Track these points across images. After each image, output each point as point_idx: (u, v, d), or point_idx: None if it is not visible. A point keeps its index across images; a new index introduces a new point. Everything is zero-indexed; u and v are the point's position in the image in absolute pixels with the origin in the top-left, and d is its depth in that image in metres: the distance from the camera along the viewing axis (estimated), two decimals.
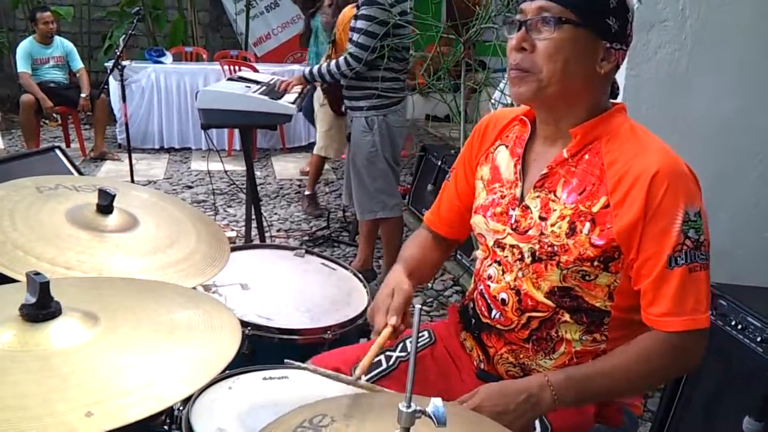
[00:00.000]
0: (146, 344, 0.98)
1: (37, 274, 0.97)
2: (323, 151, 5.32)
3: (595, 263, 1.35)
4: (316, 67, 3.71)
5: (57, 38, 7.03)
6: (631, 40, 1.40)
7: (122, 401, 0.84)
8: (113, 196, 1.52)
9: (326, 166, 5.95)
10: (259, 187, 4.43)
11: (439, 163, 4.84)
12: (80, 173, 3.37)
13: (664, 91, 2.69)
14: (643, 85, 2.65)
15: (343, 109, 4.07)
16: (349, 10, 4.12)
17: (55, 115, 7.35)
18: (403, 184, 5.95)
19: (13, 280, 1.26)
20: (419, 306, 0.94)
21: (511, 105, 3.35)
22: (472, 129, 1.69)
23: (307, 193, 5.55)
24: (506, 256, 1.47)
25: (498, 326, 1.50)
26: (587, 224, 1.34)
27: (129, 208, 1.60)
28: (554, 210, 1.40)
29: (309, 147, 7.32)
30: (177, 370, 0.94)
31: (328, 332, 1.81)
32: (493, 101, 3.42)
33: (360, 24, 3.45)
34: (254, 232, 3.79)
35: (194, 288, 1.44)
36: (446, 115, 6.44)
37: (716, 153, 2.74)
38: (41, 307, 0.96)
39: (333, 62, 3.60)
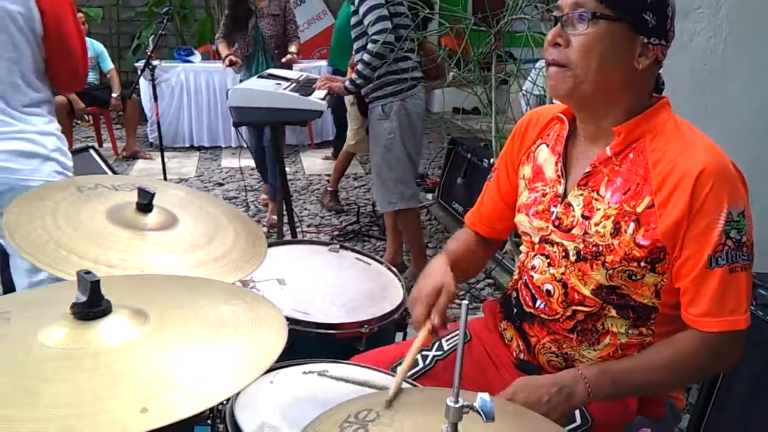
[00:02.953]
0: (195, 341, 0.99)
1: (88, 272, 0.98)
2: (353, 148, 5.34)
3: (642, 264, 1.33)
4: (353, 77, 3.66)
5: (87, 40, 7.09)
6: (673, 35, 1.38)
7: (173, 397, 0.85)
8: (153, 195, 1.52)
9: (354, 161, 5.97)
10: (288, 183, 4.47)
11: (469, 156, 4.82)
12: (114, 172, 3.44)
13: (699, 78, 2.65)
14: (678, 73, 2.61)
15: None
16: None
17: (86, 115, 7.46)
18: (432, 177, 5.95)
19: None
20: (466, 302, 0.93)
21: (543, 98, 3.34)
22: (502, 120, 1.68)
23: (329, 188, 5.57)
24: (554, 251, 1.47)
25: (542, 315, 1.50)
26: (632, 224, 1.33)
27: (167, 206, 1.61)
28: (598, 209, 1.39)
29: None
30: (226, 366, 0.94)
31: (365, 326, 1.82)
32: (524, 92, 3.40)
33: (369, 18, 3.48)
34: (285, 227, 3.81)
35: (233, 284, 1.46)
36: (474, 108, 6.41)
37: (752, 141, 2.68)
38: (92, 306, 0.97)
39: (360, 63, 3.58)
